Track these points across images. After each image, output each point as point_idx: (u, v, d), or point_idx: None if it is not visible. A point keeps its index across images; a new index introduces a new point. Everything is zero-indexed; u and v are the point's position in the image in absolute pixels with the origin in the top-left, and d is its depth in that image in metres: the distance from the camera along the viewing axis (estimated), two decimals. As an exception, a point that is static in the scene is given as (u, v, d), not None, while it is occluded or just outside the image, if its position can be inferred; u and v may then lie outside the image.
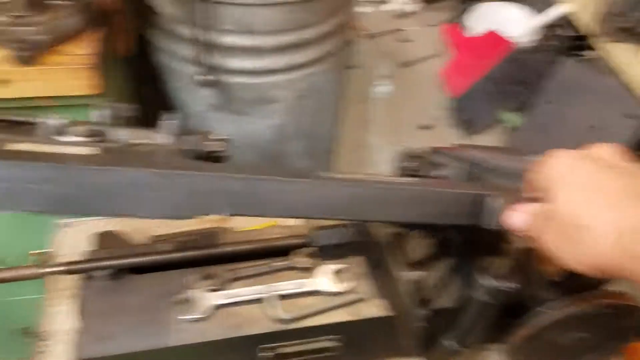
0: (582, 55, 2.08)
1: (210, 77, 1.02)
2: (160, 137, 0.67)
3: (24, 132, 0.62)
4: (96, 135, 0.63)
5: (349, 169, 2.03)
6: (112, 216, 0.52)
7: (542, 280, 0.78)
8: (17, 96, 0.94)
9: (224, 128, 1.18)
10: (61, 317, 0.84)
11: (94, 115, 0.67)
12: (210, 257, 0.77)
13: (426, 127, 2.31)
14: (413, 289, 0.67)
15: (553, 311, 0.70)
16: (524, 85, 2.23)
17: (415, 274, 0.69)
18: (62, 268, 0.72)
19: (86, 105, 0.99)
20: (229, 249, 0.78)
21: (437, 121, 2.34)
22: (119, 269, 0.74)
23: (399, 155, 0.87)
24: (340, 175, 0.63)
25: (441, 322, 0.70)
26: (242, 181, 0.55)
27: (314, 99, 1.19)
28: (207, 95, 1.13)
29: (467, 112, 2.26)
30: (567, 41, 2.12)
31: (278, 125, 1.19)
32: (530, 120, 2.15)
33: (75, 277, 0.88)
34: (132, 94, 1.21)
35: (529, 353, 0.76)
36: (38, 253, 1.24)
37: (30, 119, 0.62)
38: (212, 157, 0.70)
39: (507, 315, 0.76)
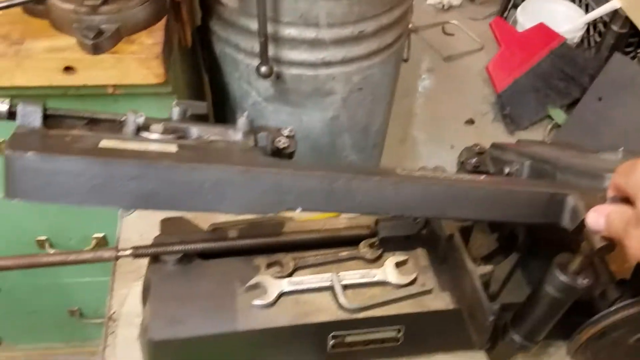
0: (634, 52, 2.03)
1: (271, 69, 1.03)
2: (234, 133, 0.68)
3: (109, 128, 0.64)
4: (174, 132, 0.65)
5: (392, 163, 2.03)
6: (195, 211, 0.54)
7: (612, 279, 0.78)
8: (83, 84, 0.97)
9: (278, 120, 1.19)
10: (129, 300, 0.87)
11: (171, 112, 0.69)
12: (276, 245, 0.78)
13: (470, 122, 2.29)
14: (484, 283, 0.67)
15: (622, 310, 0.70)
16: (572, 82, 2.19)
17: (486, 268, 0.69)
18: (137, 252, 0.73)
19: (150, 95, 1.01)
20: (295, 237, 0.79)
21: (480, 116, 2.31)
22: (187, 254, 0.76)
23: (461, 151, 0.87)
24: (416, 173, 0.63)
25: (507, 317, 0.70)
26: (320, 178, 0.56)
27: (369, 92, 1.19)
28: (264, 87, 1.14)
29: (512, 107, 2.23)
30: (619, 37, 2.07)
31: (332, 118, 1.19)
32: (577, 117, 2.11)
33: (141, 261, 0.90)
34: (191, 84, 1.24)
35: (595, 351, 0.75)
36: (100, 237, 1.29)
37: (114, 117, 0.64)
38: (282, 154, 0.72)
39: (575, 313, 0.75)
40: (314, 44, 1.05)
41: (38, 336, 1.64)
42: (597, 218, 0.56)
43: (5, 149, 0.50)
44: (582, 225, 0.60)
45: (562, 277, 0.61)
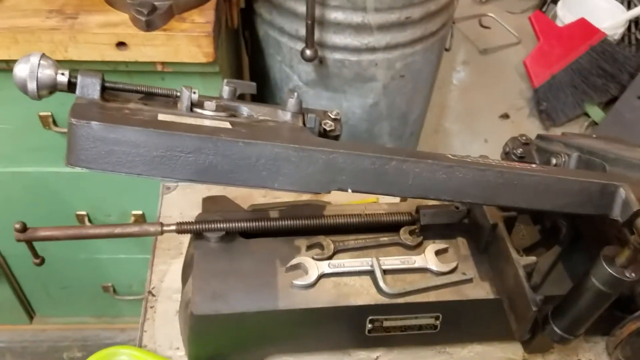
0: (678, 50, 1.99)
1: (315, 52, 1.03)
2: (283, 114, 0.69)
3: (163, 103, 0.65)
4: (226, 110, 0.65)
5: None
6: (249, 187, 0.55)
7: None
8: (133, 59, 0.98)
9: (318, 105, 1.19)
10: (168, 276, 0.88)
11: (221, 90, 0.69)
12: (317, 227, 0.78)
13: (505, 117, 2.26)
14: (527, 273, 0.67)
15: (666, 308, 0.69)
16: (611, 79, 2.15)
17: (530, 259, 0.68)
18: (180, 227, 0.74)
19: (197, 74, 1.02)
20: (336, 220, 0.79)
21: (516, 111, 2.29)
22: (229, 232, 0.77)
23: (507, 141, 0.86)
24: (468, 158, 0.62)
25: (547, 309, 0.70)
26: (373, 159, 0.56)
27: (410, 80, 1.18)
28: (306, 71, 1.14)
29: (548, 103, 2.20)
30: (662, 35, 2.03)
31: (372, 105, 1.19)
32: (615, 115, 2.07)
33: (181, 238, 0.92)
34: (233, 66, 1.25)
35: (636, 348, 0.74)
36: (139, 214, 1.31)
37: (169, 92, 0.65)
38: (328, 136, 0.72)
39: (616, 308, 0.75)
40: (360, 28, 1.05)
41: (71, 310, 1.68)
42: None
43: (69, 118, 0.52)
44: (633, 217, 0.59)
45: (609, 270, 0.60)
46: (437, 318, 0.74)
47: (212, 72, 1.00)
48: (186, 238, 0.80)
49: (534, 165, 0.65)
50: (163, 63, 0.98)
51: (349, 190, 0.57)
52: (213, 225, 0.76)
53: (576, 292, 0.65)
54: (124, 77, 1.02)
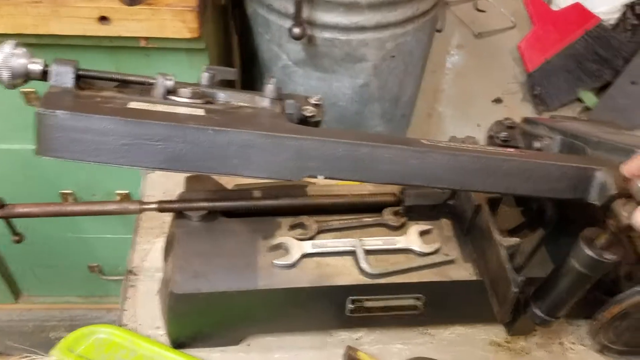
0: (673, 36, 1.97)
1: (303, 30, 1.01)
2: (261, 100, 0.68)
3: (139, 91, 0.65)
4: (202, 97, 0.65)
5: (418, 137, 2.00)
6: (220, 174, 0.55)
7: (638, 259, 0.76)
8: (116, 34, 0.96)
9: (308, 85, 1.18)
10: (150, 255, 0.88)
11: (200, 77, 0.69)
12: (301, 207, 0.78)
13: (498, 101, 2.25)
14: (510, 255, 0.66)
15: (648, 291, 0.69)
16: (605, 64, 2.13)
17: (513, 240, 0.67)
18: (161, 206, 0.74)
19: (182, 50, 1.00)
20: (320, 201, 0.78)
21: (509, 95, 2.27)
22: (212, 211, 0.76)
23: (491, 124, 0.86)
24: (443, 143, 0.62)
25: (529, 292, 0.70)
26: (346, 146, 0.56)
27: (401, 61, 1.17)
28: (295, 50, 1.12)
29: (542, 88, 2.18)
30: (658, 20, 2.01)
31: (362, 86, 1.17)
32: (608, 101, 2.06)
33: (164, 217, 0.91)
34: (221, 44, 1.23)
35: (618, 332, 0.74)
36: (124, 194, 1.30)
37: (144, 79, 0.64)
38: (309, 122, 0.71)
39: (599, 292, 0.74)
40: (350, 6, 1.03)
41: (57, 290, 1.68)
42: None
43: (37, 107, 0.51)
44: (610, 201, 0.58)
45: (589, 252, 0.59)
46: (419, 299, 0.74)
47: (197, 48, 0.99)
48: (169, 217, 0.79)
49: (511, 150, 0.65)
50: (147, 38, 0.96)
51: (321, 177, 0.56)
52: (195, 204, 0.76)
53: (556, 274, 0.65)
54: (107, 53, 1.01)
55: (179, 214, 0.76)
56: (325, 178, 0.57)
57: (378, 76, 1.16)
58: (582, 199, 0.63)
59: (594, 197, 0.62)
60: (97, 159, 0.52)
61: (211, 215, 0.76)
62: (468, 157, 0.60)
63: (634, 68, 1.97)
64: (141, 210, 0.74)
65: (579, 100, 2.19)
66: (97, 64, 1.02)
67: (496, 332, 0.81)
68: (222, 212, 0.77)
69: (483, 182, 0.61)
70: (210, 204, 0.76)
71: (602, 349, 0.77)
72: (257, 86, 1.29)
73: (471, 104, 2.23)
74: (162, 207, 0.75)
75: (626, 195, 0.58)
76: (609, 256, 0.60)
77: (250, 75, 1.31)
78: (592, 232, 0.61)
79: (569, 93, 2.17)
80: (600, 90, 2.16)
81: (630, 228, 0.56)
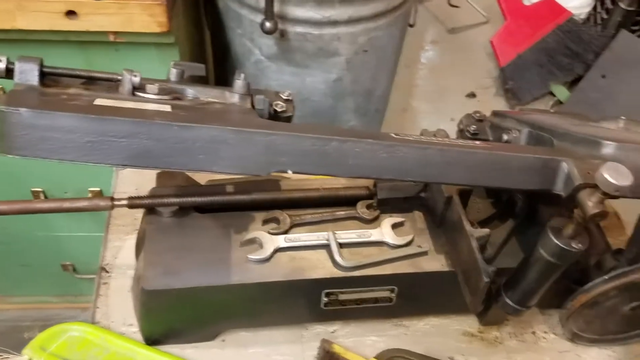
0: (642, 30, 2.01)
1: (275, 25, 1.01)
2: (230, 96, 0.68)
3: (106, 88, 0.65)
4: (170, 93, 0.65)
5: (394, 132, 2.01)
6: (188, 170, 0.55)
7: (608, 249, 0.78)
8: (84, 29, 0.94)
9: (281, 80, 1.17)
10: (122, 252, 0.87)
11: (169, 72, 0.68)
12: (274, 202, 0.77)
13: (471, 96, 2.27)
14: (480, 245, 0.67)
15: (615, 279, 0.70)
16: (576, 58, 2.16)
17: (483, 231, 0.68)
18: (132, 202, 0.73)
19: (152, 45, 0.99)
20: (293, 195, 0.78)
21: (483, 90, 2.29)
22: (183, 207, 0.75)
23: (461, 118, 0.86)
24: (410, 137, 0.62)
25: (500, 282, 0.70)
26: (312, 140, 0.56)
27: (374, 55, 1.17)
28: (267, 45, 1.12)
29: (515, 82, 2.21)
30: (626, 15, 2.04)
31: (335, 80, 1.18)
32: (580, 94, 2.09)
33: (135, 214, 0.90)
34: (193, 40, 1.21)
35: (588, 320, 0.76)
36: (96, 191, 1.28)
37: (111, 76, 0.64)
38: (280, 117, 0.71)
39: (570, 282, 0.76)
40: (321, 1, 1.03)
41: (31, 289, 1.65)
42: None
43: (1, 105, 0.50)
44: (575, 191, 0.59)
45: (556, 241, 0.60)
46: (392, 291, 0.74)
47: (167, 43, 0.98)
48: (141, 214, 0.79)
49: (477, 142, 0.65)
50: (115, 33, 0.95)
51: (290, 172, 0.56)
52: (166, 200, 0.75)
53: (526, 264, 0.66)
54: (76, 49, 0.99)
55: (150, 210, 0.76)
56: (294, 173, 0.57)
57: (351, 71, 1.16)
58: (548, 190, 0.64)
59: (559, 188, 0.63)
60: (62, 157, 0.52)
61: (183, 211, 0.75)
62: (435, 150, 0.60)
63: (604, 62, 2.00)
64: (112, 207, 0.73)
65: (551, 94, 2.22)
66: (66, 59, 1.01)
67: (469, 323, 0.82)
68: (194, 207, 0.76)
69: (450, 175, 0.62)
70: (182, 200, 0.75)
71: (573, 337, 0.78)
72: (230, 81, 1.28)
73: (445, 99, 2.24)
74: (133, 203, 0.74)
75: (591, 185, 0.58)
76: (577, 245, 0.61)
77: (222, 71, 1.30)
78: (560, 222, 0.62)
79: (541, 87, 2.20)
80: (572, 84, 2.19)
81: (595, 217, 0.57)
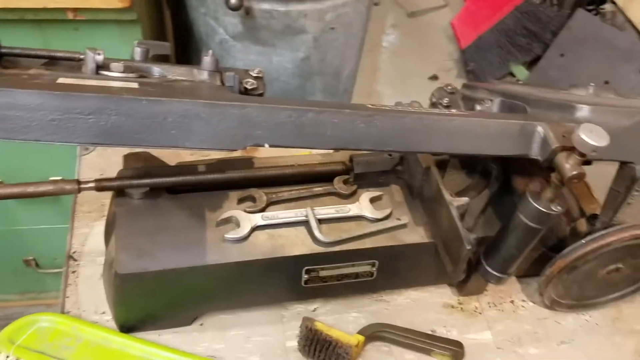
0: (597, 9, 2.05)
1: (240, 1, 0.98)
2: (199, 73, 0.66)
3: (67, 68, 0.62)
4: (136, 71, 0.63)
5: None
6: (159, 147, 0.52)
7: (582, 215, 0.78)
8: (41, 6, 0.89)
9: (247, 60, 1.15)
10: (90, 239, 0.83)
11: (133, 52, 0.66)
12: (249, 180, 0.75)
13: (434, 78, 2.29)
14: (460, 214, 0.67)
15: (592, 243, 0.71)
16: (534, 38, 2.20)
17: (462, 200, 0.68)
18: (100, 184, 0.70)
19: (113, 23, 0.95)
20: (268, 172, 0.76)
21: (445, 72, 2.31)
22: (154, 188, 0.73)
23: (433, 91, 0.86)
24: (387, 107, 0.61)
25: (480, 251, 0.70)
26: (289, 112, 0.54)
27: (342, 33, 1.16)
28: (232, 23, 1.09)
29: (475, 63, 2.24)
30: (583, -6, 2.09)
31: (303, 59, 1.16)
32: (539, 73, 2.13)
33: (102, 199, 0.87)
34: (153, 20, 1.17)
35: (566, 286, 0.77)
36: (60, 179, 1.23)
37: (73, 55, 0.62)
38: (251, 95, 0.69)
39: (548, 249, 0.76)
40: (286, -24, 1.01)
41: (-9, 287, 1.58)
42: None
43: None
44: (552, 154, 0.59)
45: (536, 204, 0.61)
46: (373, 265, 0.73)
47: (129, 20, 0.94)
48: (108, 200, 0.75)
49: (453, 111, 0.65)
50: (75, 10, 0.90)
51: (266, 146, 0.54)
52: (136, 182, 0.72)
53: (506, 230, 0.66)
54: (34, 28, 0.94)
55: (119, 193, 0.73)
56: (271, 146, 0.55)
57: (319, 49, 1.14)
58: (525, 154, 0.64)
59: (536, 152, 0.63)
60: (26, 136, 0.49)
61: (154, 192, 0.73)
62: (413, 119, 0.59)
63: (562, 41, 2.04)
64: (79, 190, 0.70)
65: (512, 74, 2.26)
66: (22, 40, 0.95)
67: (449, 295, 0.82)
68: (166, 188, 0.73)
69: (429, 143, 0.61)
70: (153, 180, 0.72)
71: (552, 304, 0.79)
72: (194, 63, 1.25)
73: (408, 82, 2.26)
74: (101, 185, 0.71)
75: (568, 147, 0.59)
76: (555, 207, 0.61)
77: (185, 53, 1.27)
78: (538, 187, 0.62)
79: (501, 67, 2.24)
80: (531, 63, 2.23)
81: (573, 179, 0.57)
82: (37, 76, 0.56)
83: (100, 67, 0.60)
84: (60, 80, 0.54)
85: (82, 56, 0.60)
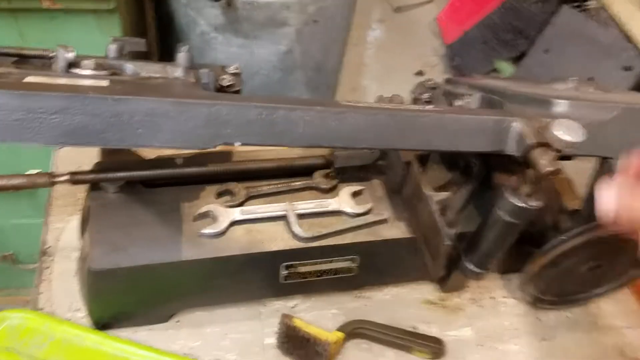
0: (582, 5, 2.06)
1: (221, -7, 0.97)
2: (173, 70, 0.65)
3: (38, 66, 0.61)
4: (108, 69, 0.62)
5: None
6: (127, 147, 0.51)
7: (564, 210, 0.78)
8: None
9: (228, 52, 1.13)
10: (65, 235, 0.82)
11: (107, 49, 0.65)
12: (227, 174, 0.74)
13: (419, 74, 2.28)
14: (441, 209, 0.66)
15: (572, 239, 0.70)
16: (519, 35, 2.20)
17: (443, 194, 0.67)
18: (74, 177, 0.68)
19: (90, 12, 0.92)
20: (247, 166, 0.75)
21: (430, 68, 2.31)
22: (130, 182, 0.71)
23: (414, 86, 0.85)
24: (360, 103, 0.60)
25: (460, 247, 0.70)
26: (259, 109, 0.53)
27: (324, 26, 1.14)
28: (213, 15, 1.07)
29: (461, 59, 2.23)
30: (567, -9, 2.09)
31: (286, 52, 1.14)
32: (524, 69, 2.13)
33: (78, 193, 0.85)
34: (133, 11, 1.15)
35: (547, 282, 0.76)
36: (35, 173, 1.20)
37: (44, 53, 0.61)
38: (227, 92, 0.69)
39: (528, 245, 0.76)
40: (269, -34, 0.99)
41: (-34, 284, 1.55)
42: (609, 196, 0.49)
43: None
44: (527, 150, 0.59)
45: (512, 200, 0.60)
46: (353, 261, 0.72)
47: (107, 9, 0.91)
48: (84, 193, 0.74)
49: (429, 107, 0.64)
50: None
51: (237, 144, 0.53)
52: (111, 175, 0.70)
53: (484, 225, 0.65)
54: (8, 18, 0.92)
55: (94, 186, 0.71)
56: (242, 144, 0.54)
57: (301, 42, 1.13)
58: (500, 150, 0.63)
59: (512, 149, 0.62)
60: None
61: (129, 185, 0.71)
62: (386, 115, 0.58)
63: (547, 37, 2.04)
64: (52, 184, 0.68)
65: (496, 70, 2.25)
66: (-3, 33, 0.93)
67: (430, 291, 0.81)
68: (142, 182, 0.72)
69: (402, 140, 0.60)
70: (128, 174, 0.71)
71: (534, 301, 0.79)
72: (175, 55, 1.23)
73: (393, 78, 2.25)
74: (75, 178, 0.69)
75: (543, 143, 0.58)
76: (534, 203, 0.60)
77: (166, 45, 1.25)
78: (515, 182, 0.61)
79: (486, 63, 2.23)
80: (516, 60, 2.23)
81: (548, 175, 0.56)
82: (5, 75, 0.55)
83: (72, 65, 0.59)
84: (28, 79, 0.53)
85: (52, 54, 0.59)
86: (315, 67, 1.22)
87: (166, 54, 1.29)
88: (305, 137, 0.56)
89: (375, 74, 2.27)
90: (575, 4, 2.07)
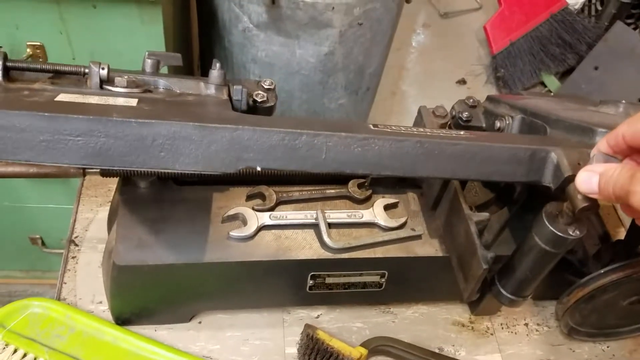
0: (635, 23, 1.98)
1: (266, -11, 0.95)
2: (205, 87, 0.64)
3: (73, 80, 0.62)
4: (140, 86, 0.62)
5: (382, 115, 1.98)
6: (149, 169, 0.51)
7: (607, 239, 0.74)
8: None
9: (269, 51, 1.11)
10: (93, 225, 0.81)
11: (143, 63, 0.66)
12: (260, 176, 0.72)
13: (461, 82, 2.23)
14: (479, 230, 0.63)
15: (611, 273, 0.66)
16: (569, 49, 2.14)
17: (482, 215, 0.64)
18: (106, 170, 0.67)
19: (133, 3, 0.92)
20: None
21: (473, 77, 2.26)
22: (161, 177, 0.70)
23: (454, 104, 0.82)
24: (387, 128, 0.58)
25: (495, 270, 0.66)
26: (281, 135, 0.52)
27: (368, 29, 1.11)
28: (257, 12, 1.06)
29: (506, 70, 2.18)
30: (621, 7, 2.02)
31: (327, 54, 1.12)
32: (571, 85, 2.07)
33: (109, 184, 0.84)
34: (176, 4, 1.14)
35: (584, 314, 0.72)
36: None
37: (78, 69, 0.61)
38: (260, 108, 0.68)
39: (569, 273, 0.72)
40: (316, -34, 0.97)
41: (-4, 263, 1.58)
42: (589, 177, 0.50)
43: None
44: (565, 183, 0.55)
45: (552, 227, 0.56)
46: (382, 276, 0.70)
47: (150, 1, 0.90)
48: (115, 185, 0.73)
49: (462, 133, 0.60)
50: (95, -11, 0.88)
51: (258, 168, 0.53)
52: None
53: (520, 251, 0.61)
54: (52, 6, 0.92)
55: (125, 180, 0.70)
56: (262, 169, 0.53)
57: (344, 44, 1.10)
58: (536, 182, 0.59)
59: (548, 180, 0.58)
60: (17, 157, 0.48)
61: (160, 181, 0.70)
62: (412, 143, 0.56)
63: (598, 53, 1.98)
64: (84, 174, 0.68)
65: (542, 84, 2.19)
66: (38, 15, 0.93)
67: (459, 312, 0.78)
68: (173, 178, 0.71)
69: (428, 167, 0.57)
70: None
71: (570, 332, 0.75)
72: (216, 50, 1.22)
73: (435, 84, 2.21)
74: (107, 171, 0.68)
75: None
76: (573, 232, 0.56)
77: (208, 40, 1.24)
78: (555, 207, 0.57)
79: (532, 76, 2.17)
80: (563, 74, 2.17)
81: (584, 211, 0.52)
82: (40, 91, 0.56)
83: (105, 81, 0.60)
84: (61, 97, 0.54)
85: (87, 70, 0.60)
86: (356, 70, 1.20)
87: (206, 51, 1.28)
88: (328, 163, 0.54)
89: (415, 79, 2.23)
90: (630, 20, 2.00)
